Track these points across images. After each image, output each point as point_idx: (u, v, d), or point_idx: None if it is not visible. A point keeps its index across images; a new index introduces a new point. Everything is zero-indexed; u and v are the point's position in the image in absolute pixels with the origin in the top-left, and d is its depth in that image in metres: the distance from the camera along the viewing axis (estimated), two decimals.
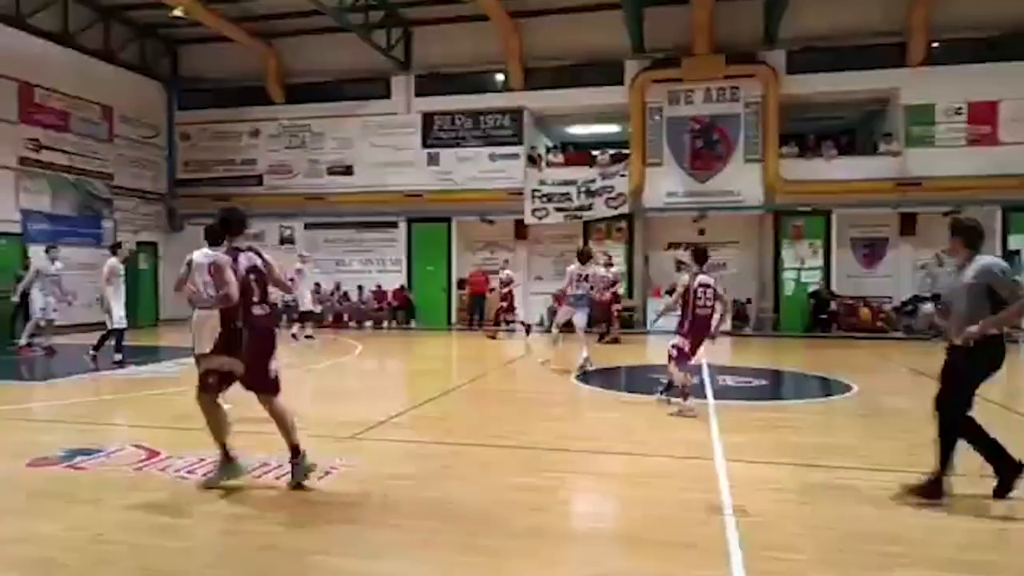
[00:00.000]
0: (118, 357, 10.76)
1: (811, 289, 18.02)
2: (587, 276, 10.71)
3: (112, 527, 4.08)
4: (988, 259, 4.55)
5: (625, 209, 18.43)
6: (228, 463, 4.82)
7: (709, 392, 8.70)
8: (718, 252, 18.83)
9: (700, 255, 7.88)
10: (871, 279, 18.16)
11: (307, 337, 14.72)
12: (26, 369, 11.23)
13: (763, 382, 10.30)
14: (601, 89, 18.64)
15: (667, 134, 18.42)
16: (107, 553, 3.70)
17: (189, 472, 5.11)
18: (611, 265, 16.65)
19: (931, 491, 4.52)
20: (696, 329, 7.75)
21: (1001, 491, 4.54)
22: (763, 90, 17.76)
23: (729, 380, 9.88)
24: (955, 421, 4.54)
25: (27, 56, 16.73)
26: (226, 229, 4.96)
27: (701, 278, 7.73)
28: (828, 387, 9.88)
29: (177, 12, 16.75)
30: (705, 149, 18.26)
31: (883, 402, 8.75)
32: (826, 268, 18.11)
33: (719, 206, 18.15)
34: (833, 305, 17.57)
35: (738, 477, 5.06)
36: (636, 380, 11.09)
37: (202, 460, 5.37)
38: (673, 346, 7.71)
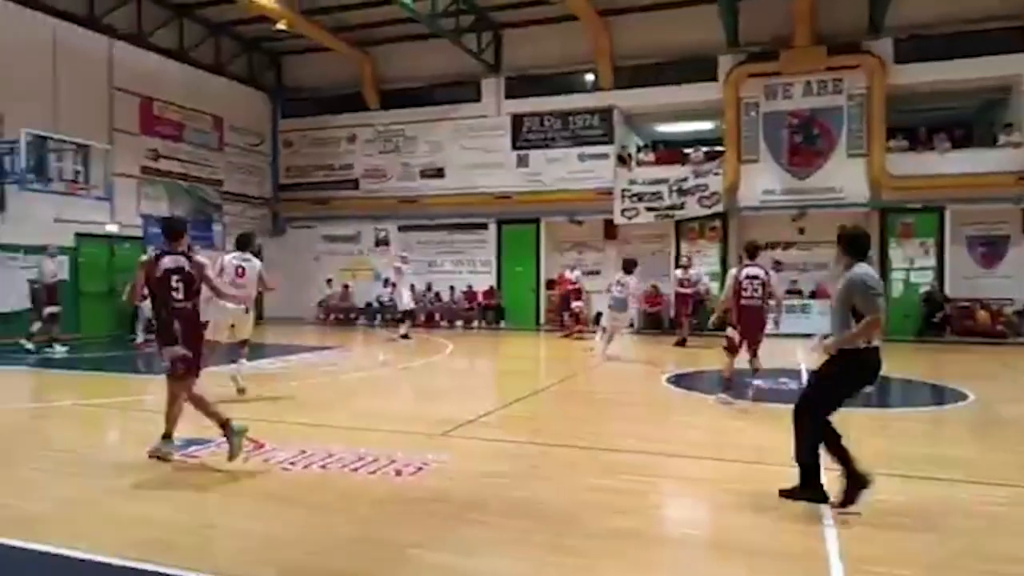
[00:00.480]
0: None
1: (922, 291, 16.98)
2: (620, 281, 12.11)
3: (221, 513, 4.33)
4: (858, 270, 4.48)
5: (719, 208, 17.95)
6: (169, 440, 5.53)
7: None
8: (819, 251, 18.11)
9: (752, 249, 8.22)
10: (989, 280, 16.92)
11: (403, 337, 15.11)
12: (143, 363, 12.05)
13: (867, 388, 9.75)
14: (694, 85, 18.24)
15: (764, 130, 17.83)
16: (216, 538, 3.93)
17: (291, 464, 5.35)
18: (689, 267, 16.31)
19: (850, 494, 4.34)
20: (744, 320, 7.90)
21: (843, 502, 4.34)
22: (868, 81, 16.89)
23: None
24: (815, 425, 4.49)
25: (147, 72, 18.02)
26: (167, 235, 5.75)
27: (748, 269, 7.90)
28: (940, 395, 9.29)
29: (281, 25, 17.62)
30: (804, 144, 17.55)
31: (1001, 412, 8.14)
32: (939, 268, 17.01)
33: (820, 204, 17.39)
34: (947, 308, 16.50)
35: (839, 488, 4.83)
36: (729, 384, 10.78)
37: (303, 452, 5.62)
38: (726, 337, 8.04)
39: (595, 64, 18.97)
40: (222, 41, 20.35)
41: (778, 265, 16.98)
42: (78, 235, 16.16)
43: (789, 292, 18.03)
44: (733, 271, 8.13)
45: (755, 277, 7.88)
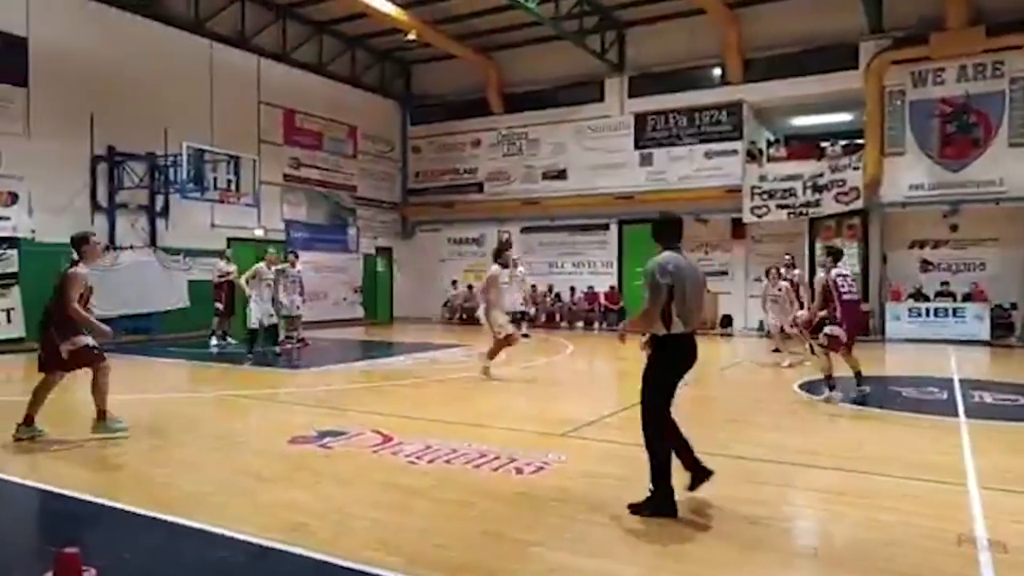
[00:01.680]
0: (251, 356, 11.84)
1: None
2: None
3: (354, 502, 4.56)
4: (656, 258, 4.42)
5: (858, 204, 16.84)
6: (31, 425, 6.07)
7: (960, 409, 7.69)
8: (975, 250, 16.63)
9: (837, 253, 8.72)
10: None
11: (523, 336, 15.26)
12: (284, 359, 12.89)
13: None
14: (831, 75, 17.25)
15: (910, 119, 16.57)
16: (350, 524, 4.14)
17: (418, 457, 5.56)
18: (793, 267, 15.12)
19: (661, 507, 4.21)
20: (847, 315, 8.19)
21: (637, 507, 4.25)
22: None
23: (987, 397, 8.64)
24: (655, 423, 4.38)
25: (290, 86, 19.34)
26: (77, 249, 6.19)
27: (836, 270, 8.38)
28: None
29: (411, 36, 18.37)
30: (958, 134, 16.14)
31: None
32: None
33: (976, 198, 15.95)
34: None
35: (996, 507, 4.41)
36: (870, 392, 10.10)
37: (428, 447, 5.82)
38: (826, 335, 8.20)
39: (723, 58, 18.36)
40: (357, 54, 21.45)
41: (928, 266, 15.71)
42: (230, 239, 17.59)
43: (940, 295, 16.66)
44: (821, 275, 8.52)
45: (845, 275, 8.42)
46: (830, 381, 8.16)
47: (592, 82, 20.22)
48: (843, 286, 8.27)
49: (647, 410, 4.45)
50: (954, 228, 16.85)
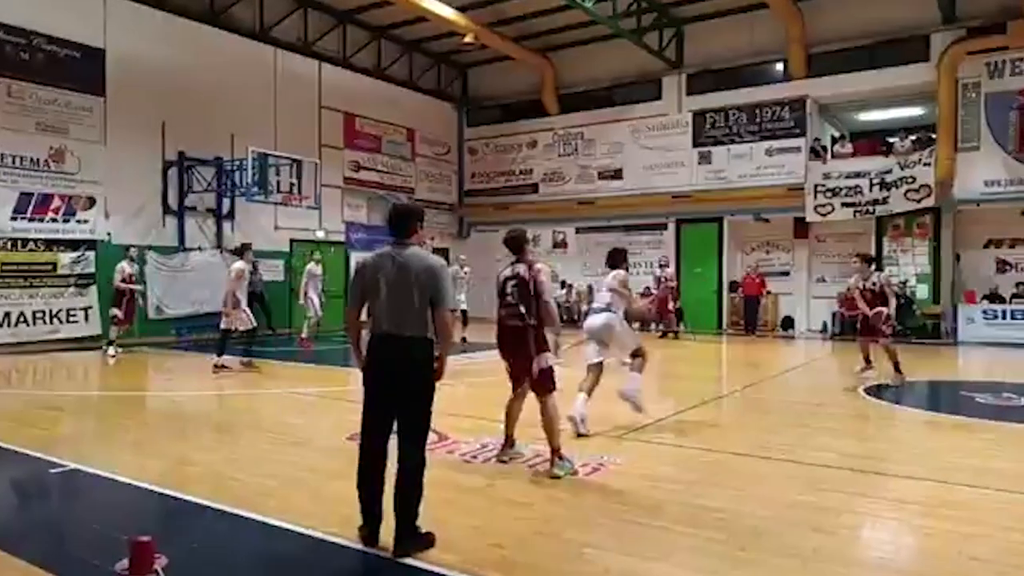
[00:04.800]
0: (246, 359, 11.16)
1: None
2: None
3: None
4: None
5: (930, 202, 16.14)
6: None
7: None
8: None
9: (870, 259, 10.10)
10: None
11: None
12: (340, 357, 13.10)
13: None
14: (900, 68, 16.60)
15: (986, 113, 15.80)
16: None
17: (473, 456, 5.60)
18: (667, 266, 17.48)
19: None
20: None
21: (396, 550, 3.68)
22: None
23: None
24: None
25: (350, 90, 19.72)
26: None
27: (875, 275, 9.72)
28: None
29: (468, 39, 18.49)
30: None
31: None
32: None
33: None
34: None
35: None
36: (941, 397, 9.70)
37: (484, 446, 5.85)
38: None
39: (785, 53, 17.87)
40: (414, 57, 21.74)
41: (1007, 266, 14.97)
42: (292, 240, 18.06)
43: (1016, 296, 15.88)
44: (875, 277, 9.74)
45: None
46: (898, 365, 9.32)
47: (649, 80, 19.97)
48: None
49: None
50: None
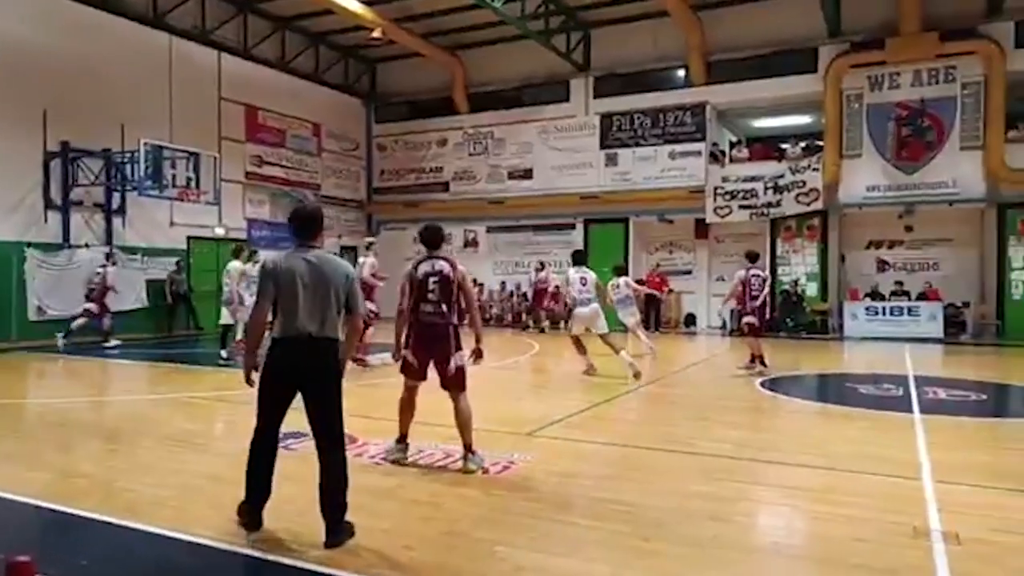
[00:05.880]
0: (224, 353, 11.37)
1: None
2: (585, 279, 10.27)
3: (316, 503, 4.49)
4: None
5: (818, 205, 17.21)
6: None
7: (915, 405, 7.89)
8: (929, 250, 17.14)
9: (754, 256, 11.01)
10: None
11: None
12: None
13: (983, 396, 9.14)
14: (791, 78, 17.61)
15: (868, 122, 16.98)
16: (313, 526, 4.07)
17: (383, 458, 5.51)
18: (541, 270, 18.81)
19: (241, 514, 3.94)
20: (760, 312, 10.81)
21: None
22: (985, 68, 15.83)
23: (941, 392, 8.89)
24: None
25: (252, 82, 19.01)
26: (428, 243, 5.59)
27: (753, 271, 10.65)
28: None
29: (376, 33, 18.19)
30: (913, 137, 16.61)
31: None
32: None
33: (930, 199, 16.42)
34: None
35: (949, 501, 4.53)
36: (828, 389, 10.33)
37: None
38: (746, 323, 10.59)
39: (686, 60, 18.58)
40: (321, 51, 21.19)
41: (885, 265, 16.11)
42: (189, 238, 17.23)
43: (895, 294, 17.10)
44: (741, 273, 10.60)
45: (757, 275, 10.60)
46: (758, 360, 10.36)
47: (558, 82, 20.29)
48: (755, 285, 10.41)
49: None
50: (909, 229, 17.32)
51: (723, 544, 3.89)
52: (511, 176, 21.12)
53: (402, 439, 5.50)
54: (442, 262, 5.30)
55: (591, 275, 10.18)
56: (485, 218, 21.38)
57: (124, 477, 5.13)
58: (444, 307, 5.19)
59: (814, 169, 17.19)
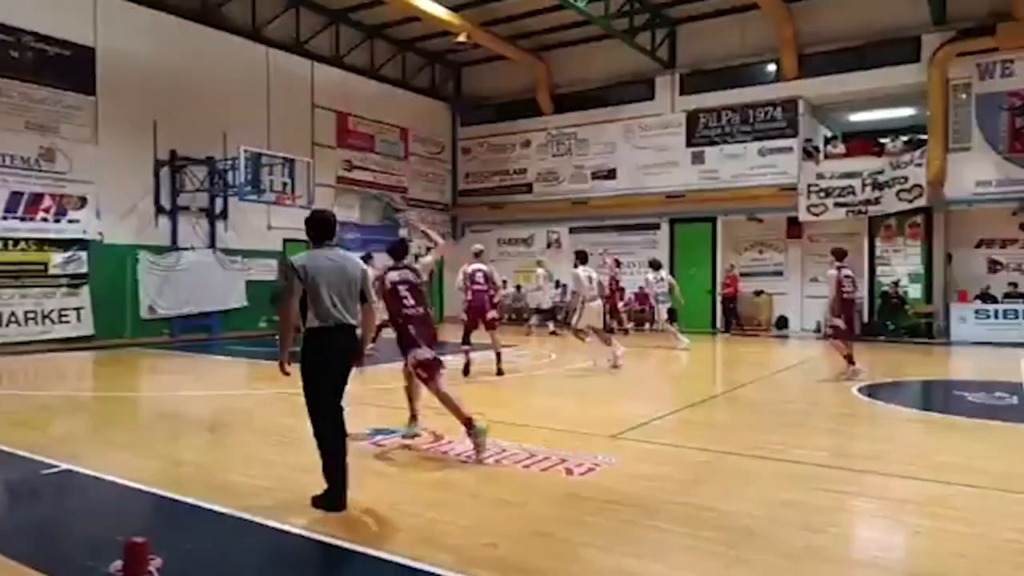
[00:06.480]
0: None
1: None
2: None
3: (403, 498, 4.62)
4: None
5: (922, 202, 16.25)
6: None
7: None
8: None
9: (841, 253, 10.24)
10: None
11: (551, 334, 15.42)
12: None
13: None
14: (891, 69, 16.72)
15: (977, 114, 15.93)
16: (399, 520, 4.19)
17: (468, 456, 5.59)
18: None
19: (325, 502, 4.25)
20: (847, 313, 10.14)
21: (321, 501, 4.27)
22: None
23: None
24: (312, 419, 4.38)
25: (343, 90, 19.70)
26: (394, 254, 6.27)
27: (845, 270, 9.93)
28: None
29: (461, 38, 18.48)
30: None
31: None
32: None
33: None
34: None
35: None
36: (933, 396, 9.76)
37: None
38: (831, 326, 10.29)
39: (777, 53, 17.96)
40: (408, 57, 21.71)
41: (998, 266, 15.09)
42: (286, 240, 18.01)
43: (1008, 296, 16.00)
44: (832, 272, 9.98)
45: (850, 276, 10.03)
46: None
47: (642, 80, 20.03)
48: (846, 285, 9.89)
49: (310, 417, 4.46)
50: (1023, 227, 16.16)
51: (817, 556, 3.74)
52: (595, 176, 20.99)
53: (413, 417, 6.20)
54: (408, 271, 6.04)
55: (595, 274, 11.33)
56: (569, 219, 21.34)
57: (225, 467, 5.42)
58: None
59: (917, 164, 16.26)
